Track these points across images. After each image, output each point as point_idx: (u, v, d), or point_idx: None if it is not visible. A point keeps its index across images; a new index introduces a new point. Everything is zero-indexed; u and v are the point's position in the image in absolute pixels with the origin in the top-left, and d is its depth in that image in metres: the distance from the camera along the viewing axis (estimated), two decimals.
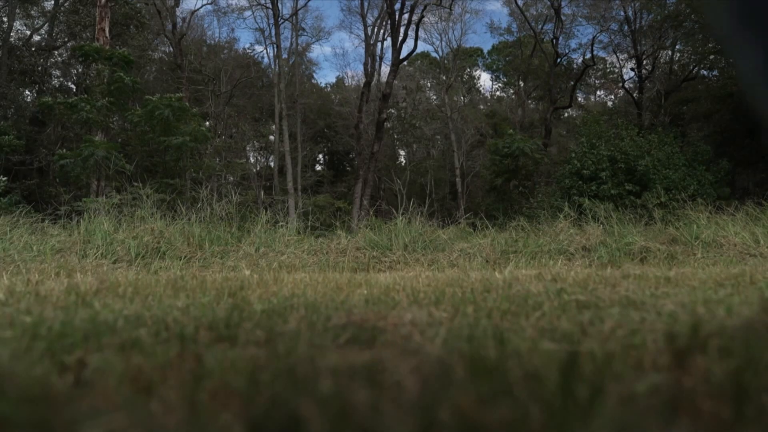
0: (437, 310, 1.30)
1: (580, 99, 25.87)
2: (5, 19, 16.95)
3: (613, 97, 26.31)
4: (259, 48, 41.10)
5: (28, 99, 17.33)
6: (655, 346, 0.83)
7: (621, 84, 22.47)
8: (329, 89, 29.61)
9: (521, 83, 26.84)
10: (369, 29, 18.24)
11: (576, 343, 0.87)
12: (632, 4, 18.65)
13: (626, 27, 19.12)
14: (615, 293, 1.64)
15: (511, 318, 1.24)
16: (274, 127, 21.70)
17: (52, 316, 1.21)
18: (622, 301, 1.45)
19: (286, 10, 21.25)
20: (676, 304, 1.32)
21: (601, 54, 22.17)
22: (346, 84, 29.24)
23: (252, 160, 26.41)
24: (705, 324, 0.85)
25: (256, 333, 1.01)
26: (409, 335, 0.99)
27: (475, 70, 29.76)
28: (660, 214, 7.10)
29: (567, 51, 21.63)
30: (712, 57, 16.29)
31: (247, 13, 27.17)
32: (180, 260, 4.58)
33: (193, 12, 20.87)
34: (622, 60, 21.65)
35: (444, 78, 23.70)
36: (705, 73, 18.11)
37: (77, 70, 18.28)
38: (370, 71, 16.89)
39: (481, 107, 28.43)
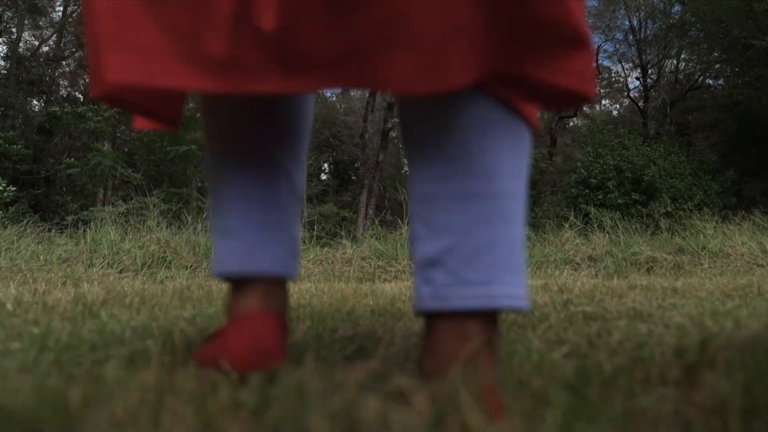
0: None
1: (585, 108, 25.86)
2: (14, 30, 17.11)
3: (618, 106, 26.30)
4: None
5: (36, 109, 17.46)
6: (663, 359, 0.83)
7: (626, 93, 22.49)
8: (335, 99, 29.73)
9: None
10: None
11: (584, 357, 0.87)
12: (637, 14, 18.69)
13: (631, 36, 19.16)
14: (622, 304, 1.64)
15: (517, 329, 1.24)
16: None
17: (59, 327, 1.22)
18: (629, 312, 1.44)
19: None
20: (684, 316, 1.32)
21: (606, 63, 22.24)
22: (352, 93, 29.36)
23: None
24: (713, 338, 0.85)
25: None
26: (417, 346, 0.99)
27: None
28: (666, 223, 7.08)
29: None
30: (717, 66, 16.28)
31: None
32: (186, 270, 4.59)
33: None
34: (627, 69, 21.68)
35: None
36: (710, 82, 18.10)
37: (85, 80, 18.42)
38: None
39: None
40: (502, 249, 0.69)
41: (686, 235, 5.94)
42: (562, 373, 0.74)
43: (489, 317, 0.68)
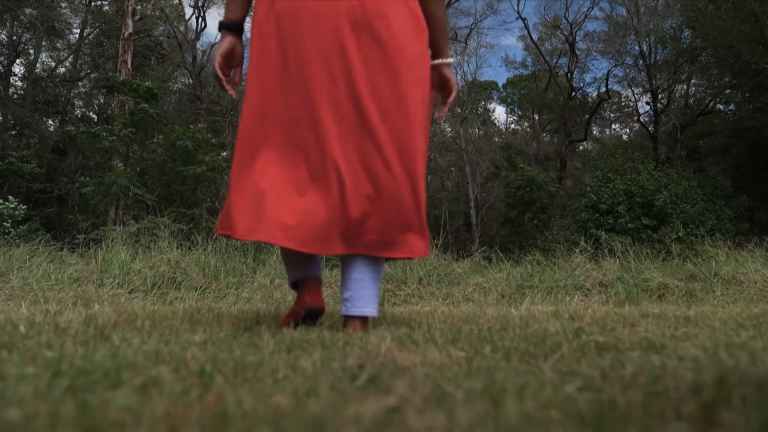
0: (455, 350, 1.30)
1: (595, 132, 25.88)
2: (32, 51, 17.43)
3: (628, 130, 26.30)
4: None
5: (51, 128, 17.70)
6: (678, 394, 0.82)
7: (636, 117, 22.50)
8: None
9: (536, 116, 26.96)
10: None
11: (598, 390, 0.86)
12: (647, 39, 18.78)
13: (641, 61, 19.23)
14: (634, 333, 1.62)
15: (529, 359, 1.23)
16: None
17: (72, 351, 1.22)
18: (642, 342, 1.43)
19: None
20: (698, 348, 1.30)
21: (616, 88, 22.27)
22: None
23: None
24: (729, 373, 0.84)
25: (275, 374, 1.01)
26: (429, 376, 0.99)
27: (490, 103, 29.98)
28: (678, 249, 7.02)
29: (582, 85, 21.75)
30: (728, 91, 16.28)
31: None
32: (195, 291, 4.60)
33: (213, 45, 21.35)
34: (637, 94, 21.72)
35: (459, 111, 23.87)
36: (721, 107, 18.08)
37: (99, 101, 18.69)
38: None
39: (496, 140, 28.54)
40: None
41: (698, 262, 5.88)
42: (576, 407, 0.74)
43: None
